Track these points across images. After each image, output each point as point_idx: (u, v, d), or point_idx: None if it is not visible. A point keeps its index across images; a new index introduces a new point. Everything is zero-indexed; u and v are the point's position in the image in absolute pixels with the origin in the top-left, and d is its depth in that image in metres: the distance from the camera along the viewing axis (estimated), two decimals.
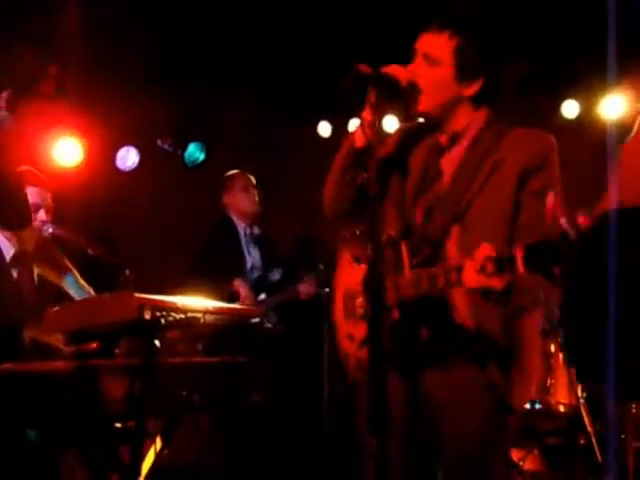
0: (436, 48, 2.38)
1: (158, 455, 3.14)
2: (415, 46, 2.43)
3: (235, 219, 5.26)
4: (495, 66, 2.42)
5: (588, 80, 5.52)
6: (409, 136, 2.55)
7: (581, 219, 3.20)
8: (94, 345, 3.28)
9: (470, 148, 2.42)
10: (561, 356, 4.16)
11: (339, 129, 5.95)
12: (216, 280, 4.62)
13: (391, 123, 5.51)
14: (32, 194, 3.86)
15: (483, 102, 2.43)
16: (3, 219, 3.40)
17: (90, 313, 2.92)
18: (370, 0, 4.94)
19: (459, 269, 2.18)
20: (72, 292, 3.94)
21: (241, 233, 5.25)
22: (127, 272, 3.78)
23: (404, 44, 2.46)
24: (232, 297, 4.80)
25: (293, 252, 5.93)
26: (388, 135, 2.66)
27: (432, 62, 2.39)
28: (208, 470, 3.86)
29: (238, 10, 5.04)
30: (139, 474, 2.89)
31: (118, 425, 3.06)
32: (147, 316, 2.74)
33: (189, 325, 3.00)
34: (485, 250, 2.10)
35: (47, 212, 3.94)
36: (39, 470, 3.16)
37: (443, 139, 2.47)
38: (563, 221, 2.30)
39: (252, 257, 5.24)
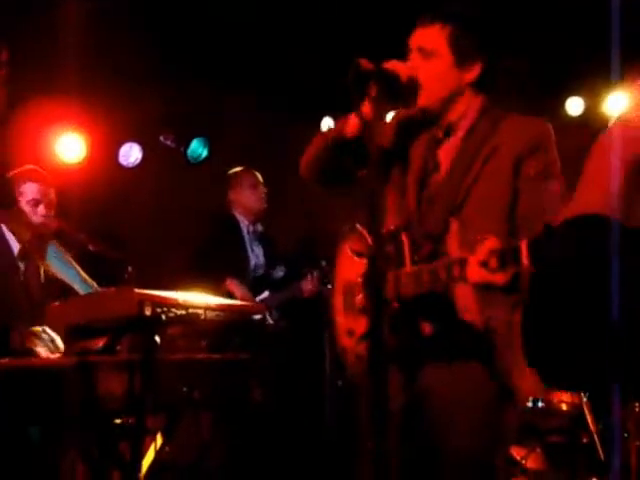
0: (430, 41, 2.39)
1: (159, 452, 3.14)
2: (409, 43, 2.43)
3: (238, 216, 5.23)
4: (491, 48, 2.42)
5: (593, 77, 5.50)
6: (408, 128, 2.54)
7: None
8: (99, 343, 3.28)
9: (466, 138, 2.41)
10: None
11: None
12: (214, 279, 4.61)
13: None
14: (32, 190, 3.87)
15: (483, 88, 2.43)
16: None
17: (91, 308, 2.93)
18: None
19: (462, 263, 2.15)
20: (77, 287, 3.94)
21: (244, 231, 5.23)
22: (129, 268, 3.78)
23: (406, 40, 2.46)
24: (229, 297, 4.78)
25: (296, 249, 5.91)
26: (384, 122, 2.63)
27: (428, 55, 2.39)
28: (209, 467, 3.85)
29: (241, 5, 5.02)
30: (139, 471, 2.88)
31: (118, 421, 3.05)
32: (147, 312, 2.74)
33: (190, 321, 2.99)
34: (490, 244, 2.08)
35: (49, 208, 3.94)
36: (39, 467, 3.15)
37: (439, 131, 2.46)
38: None
39: (255, 255, 5.22)
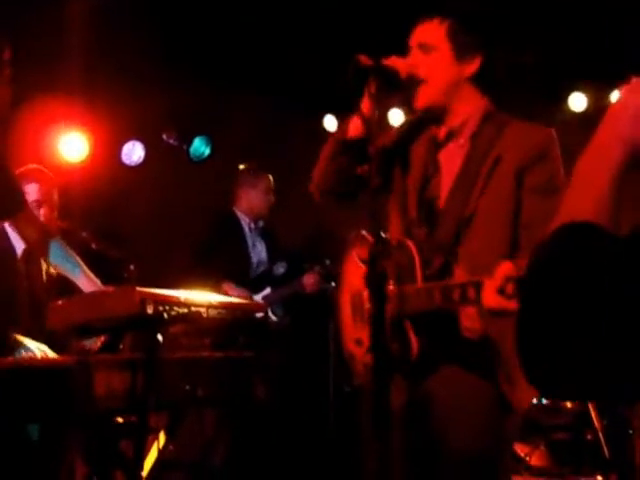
0: (429, 36, 2.39)
1: (162, 450, 3.13)
2: (409, 43, 2.43)
3: (239, 213, 5.22)
4: (490, 42, 2.42)
5: (596, 73, 5.48)
6: (411, 128, 2.53)
7: None
8: (101, 341, 3.28)
9: (470, 146, 2.39)
10: None
11: None
12: (215, 277, 4.60)
13: (397, 118, 5.48)
14: (34, 191, 3.86)
15: (483, 83, 2.42)
16: None
17: (93, 307, 2.92)
18: None
19: (477, 285, 2.12)
20: (82, 285, 3.94)
21: (245, 228, 5.21)
22: (131, 267, 3.78)
23: (406, 39, 2.47)
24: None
25: (298, 246, 5.90)
26: (392, 128, 2.65)
27: (428, 49, 2.39)
28: (212, 465, 3.85)
29: (243, 5, 5.02)
30: (142, 470, 2.87)
31: (120, 420, 3.04)
32: (149, 310, 2.73)
33: (192, 319, 2.97)
34: (506, 269, 2.06)
35: (52, 209, 3.93)
36: (40, 466, 3.15)
37: (440, 133, 2.45)
38: None
39: (257, 252, 5.21)
